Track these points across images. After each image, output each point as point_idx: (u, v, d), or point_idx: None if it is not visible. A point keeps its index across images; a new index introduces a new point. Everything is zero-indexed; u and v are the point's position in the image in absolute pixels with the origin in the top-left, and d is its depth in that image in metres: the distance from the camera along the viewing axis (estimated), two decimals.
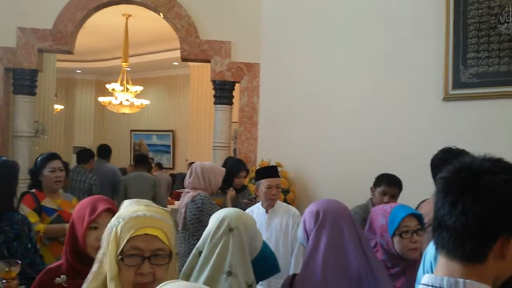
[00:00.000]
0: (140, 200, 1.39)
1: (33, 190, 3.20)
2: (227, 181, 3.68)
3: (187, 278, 1.66)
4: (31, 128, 4.87)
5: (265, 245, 2.02)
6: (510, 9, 3.45)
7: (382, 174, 3.28)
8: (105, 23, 8.10)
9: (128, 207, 1.34)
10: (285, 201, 4.09)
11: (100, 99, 10.24)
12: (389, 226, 1.95)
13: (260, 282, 3.00)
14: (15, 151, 4.69)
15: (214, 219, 1.78)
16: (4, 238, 2.26)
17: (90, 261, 1.39)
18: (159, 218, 1.32)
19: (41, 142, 6.55)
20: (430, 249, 1.60)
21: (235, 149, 5.95)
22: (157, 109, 12.66)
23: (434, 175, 2.61)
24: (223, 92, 4.95)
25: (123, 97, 9.51)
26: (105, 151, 6.22)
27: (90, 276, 1.31)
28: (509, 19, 3.45)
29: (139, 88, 9.68)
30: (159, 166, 8.87)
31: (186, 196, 3.27)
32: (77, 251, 1.67)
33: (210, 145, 5.41)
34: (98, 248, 1.51)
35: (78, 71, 12.61)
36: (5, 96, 4.70)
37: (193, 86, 10.39)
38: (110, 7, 5.01)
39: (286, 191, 4.36)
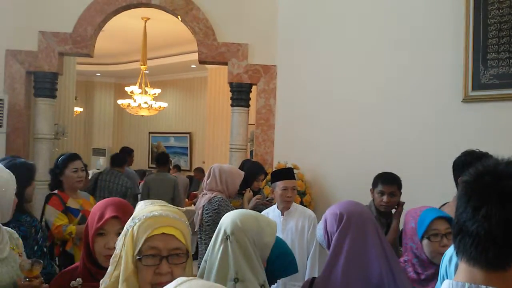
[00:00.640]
0: (154, 200, 1.40)
1: (56, 191, 3.23)
2: (246, 184, 3.68)
3: None
4: (52, 130, 4.96)
5: (284, 244, 2.02)
6: None
7: (379, 174, 3.18)
8: (124, 27, 8.20)
9: (143, 208, 1.34)
10: (301, 203, 4.08)
11: (119, 101, 10.37)
12: (418, 229, 1.91)
13: (276, 284, 3.02)
14: (36, 152, 4.77)
15: (216, 228, 1.78)
16: None
17: (105, 264, 1.40)
18: (175, 217, 1.33)
19: (61, 144, 6.65)
20: (448, 252, 1.57)
21: (251, 151, 5.96)
22: (175, 111, 12.76)
23: (455, 178, 2.58)
24: (240, 94, 4.97)
25: (142, 100, 9.60)
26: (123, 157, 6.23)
27: (106, 277, 1.31)
28: None
29: (157, 91, 9.78)
30: (178, 168, 8.91)
31: (204, 198, 3.28)
32: (90, 254, 1.66)
33: (226, 147, 5.42)
34: (106, 255, 1.52)
35: (97, 74, 12.79)
36: (26, 99, 4.80)
37: (210, 89, 10.44)
38: (128, 10, 5.07)
39: (302, 194, 4.34)
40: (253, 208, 3.51)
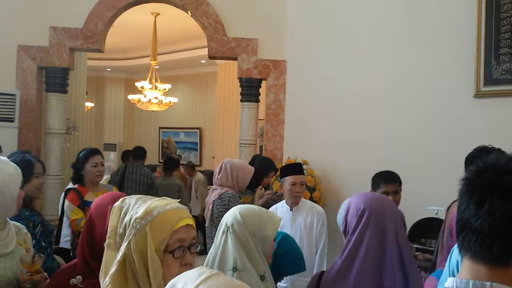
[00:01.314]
0: (144, 196, 1.40)
1: (76, 186, 3.32)
2: (256, 180, 3.68)
3: None
4: (63, 125, 5.00)
5: (292, 241, 2.02)
6: None
7: (378, 174, 3.07)
8: (134, 22, 8.23)
9: (143, 205, 1.32)
10: (311, 199, 4.08)
11: (130, 96, 10.43)
12: None
13: (284, 280, 3.03)
14: (47, 147, 4.82)
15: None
16: None
17: None
18: (184, 208, 1.36)
19: (73, 139, 6.70)
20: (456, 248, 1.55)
21: (261, 147, 5.96)
22: (185, 106, 12.79)
23: None
24: (249, 89, 4.96)
25: (152, 95, 9.64)
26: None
27: (107, 278, 1.27)
28: None
29: (167, 86, 9.80)
30: (191, 167, 8.69)
31: (214, 193, 3.29)
32: (94, 248, 1.61)
33: (236, 143, 5.43)
34: None
35: (108, 69, 12.85)
36: (38, 94, 4.84)
37: (220, 84, 10.44)
38: (138, 5, 5.09)
39: (312, 189, 4.33)
40: (264, 204, 3.51)
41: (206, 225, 3.36)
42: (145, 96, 9.71)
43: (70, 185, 3.85)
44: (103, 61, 11.51)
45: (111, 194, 1.76)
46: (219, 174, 3.30)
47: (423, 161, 3.85)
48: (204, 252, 2.59)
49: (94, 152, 3.40)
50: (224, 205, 3.13)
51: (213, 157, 11.25)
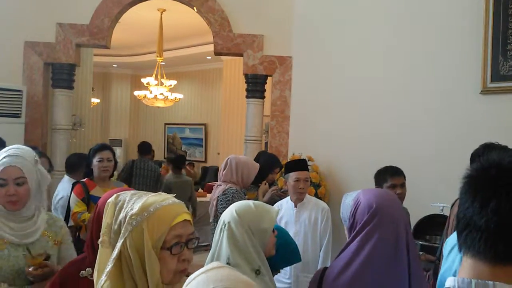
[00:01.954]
0: (138, 192, 1.38)
1: (84, 180, 3.35)
2: (261, 176, 3.69)
3: None
4: (69, 121, 5.03)
5: (285, 233, 2.04)
6: None
7: (382, 170, 3.08)
8: (140, 18, 8.24)
9: (138, 201, 1.30)
10: (316, 195, 4.08)
11: (136, 93, 10.46)
12: None
13: (288, 276, 3.04)
14: (53, 143, 4.85)
15: None
16: None
17: None
18: (181, 203, 1.35)
19: (78, 134, 6.74)
20: (450, 240, 1.54)
21: (266, 143, 5.97)
22: (190, 102, 12.81)
23: None
24: (255, 86, 4.96)
25: (158, 91, 9.66)
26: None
27: (103, 276, 1.26)
28: None
29: (173, 82, 9.82)
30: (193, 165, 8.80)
31: (218, 189, 3.30)
32: None
33: (241, 139, 5.44)
34: None
35: (114, 65, 12.89)
36: (44, 90, 4.87)
37: (225, 80, 10.45)
38: (144, 2, 5.09)
39: (317, 185, 4.33)
40: (269, 200, 3.52)
41: (210, 220, 3.37)
42: (150, 92, 9.73)
43: (64, 180, 3.89)
44: (109, 57, 11.55)
45: (119, 190, 1.77)
46: (224, 170, 3.31)
47: (429, 158, 3.84)
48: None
49: (102, 147, 3.42)
50: (228, 201, 3.13)
51: (218, 153, 11.28)
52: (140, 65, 12.55)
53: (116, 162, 3.49)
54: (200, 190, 8.57)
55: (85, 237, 3.06)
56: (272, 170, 3.96)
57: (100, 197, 3.15)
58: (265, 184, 3.74)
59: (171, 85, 9.78)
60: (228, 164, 3.29)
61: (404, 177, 3.06)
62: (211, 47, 5.25)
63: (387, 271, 1.59)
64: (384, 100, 4.19)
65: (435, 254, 2.86)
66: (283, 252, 1.90)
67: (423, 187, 3.69)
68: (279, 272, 2.03)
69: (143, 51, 11.72)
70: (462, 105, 3.72)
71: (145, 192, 1.38)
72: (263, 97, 5.03)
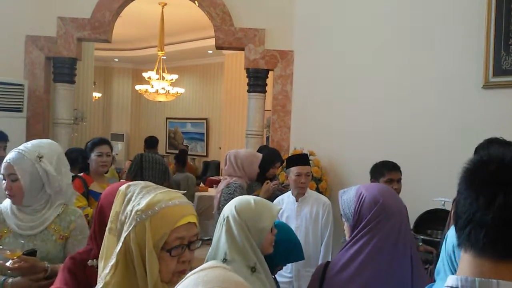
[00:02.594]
0: (149, 184, 1.36)
1: (82, 174, 3.32)
2: (262, 171, 3.70)
3: None
4: (71, 115, 5.03)
5: (288, 230, 2.04)
6: None
7: (379, 164, 3.09)
8: (141, 12, 8.22)
9: (146, 196, 1.29)
10: (317, 190, 4.08)
11: (137, 87, 10.45)
12: None
13: (289, 271, 3.04)
14: (55, 137, 4.84)
15: None
16: None
17: None
18: (190, 203, 1.33)
19: (80, 129, 6.75)
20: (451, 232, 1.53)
21: (268, 137, 5.96)
22: (192, 97, 12.80)
23: None
24: (256, 80, 4.95)
25: (159, 85, 9.66)
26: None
27: (103, 276, 1.26)
28: None
29: (174, 77, 9.81)
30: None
31: (223, 182, 3.34)
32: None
33: (243, 133, 5.43)
34: None
35: (115, 59, 12.87)
36: (46, 84, 4.86)
37: (227, 74, 10.43)
38: None
39: (318, 180, 4.33)
40: (270, 195, 3.52)
41: (213, 212, 3.40)
42: (152, 87, 9.72)
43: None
44: (110, 52, 11.52)
45: (123, 183, 1.77)
46: (225, 165, 3.34)
47: (430, 152, 3.83)
48: None
49: (101, 141, 3.38)
50: (229, 194, 3.15)
51: (220, 148, 11.28)
52: (141, 59, 12.53)
53: (113, 158, 3.47)
54: (201, 184, 8.57)
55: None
56: (273, 165, 3.96)
57: (98, 192, 3.19)
58: (267, 183, 3.75)
59: (172, 79, 9.77)
60: (228, 159, 3.34)
61: (401, 172, 3.07)
62: (212, 41, 5.23)
63: (390, 266, 1.59)
64: (385, 95, 4.18)
65: (437, 249, 2.87)
66: (282, 248, 1.90)
67: (425, 182, 3.69)
68: (280, 269, 2.03)
69: (144, 45, 11.69)
70: (464, 100, 3.71)
71: (156, 186, 1.37)
72: (264, 92, 5.02)
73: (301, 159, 3.26)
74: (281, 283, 2.23)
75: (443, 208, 3.27)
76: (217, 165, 11.25)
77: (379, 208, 1.62)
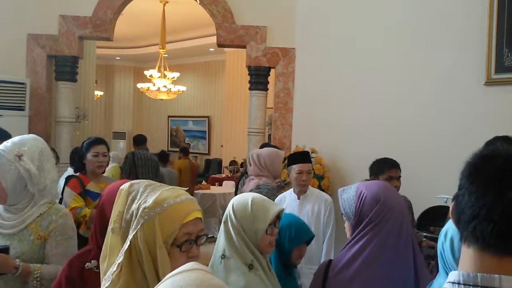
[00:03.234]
0: (152, 183, 1.36)
1: (78, 174, 3.27)
2: None
3: None
4: (73, 113, 5.03)
5: (289, 216, 2.09)
6: None
7: (378, 162, 3.08)
8: (142, 10, 8.22)
9: (152, 194, 1.30)
10: (319, 187, 4.08)
11: (139, 85, 10.46)
12: None
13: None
14: (57, 136, 4.86)
15: None
16: None
17: None
18: (195, 199, 1.35)
19: (82, 127, 6.76)
20: (445, 229, 1.53)
21: (269, 135, 5.97)
22: (193, 95, 12.81)
23: None
24: (258, 77, 4.95)
25: (161, 84, 9.66)
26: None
27: (109, 274, 1.25)
28: None
29: (176, 75, 9.81)
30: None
31: (251, 183, 3.32)
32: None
33: (245, 131, 5.43)
34: None
35: (117, 58, 12.88)
36: (47, 82, 4.87)
37: (228, 72, 10.43)
38: None
39: (320, 177, 4.34)
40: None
41: None
42: (154, 85, 9.73)
43: (68, 172, 3.88)
44: (112, 50, 11.55)
45: (123, 182, 1.76)
46: (250, 166, 3.37)
47: (433, 149, 3.83)
48: None
49: (96, 141, 3.31)
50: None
51: (222, 146, 11.29)
52: (143, 57, 12.54)
53: (109, 158, 3.40)
54: (203, 182, 8.59)
55: (86, 233, 3.05)
56: None
57: (95, 192, 3.17)
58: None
59: (174, 77, 9.78)
60: (251, 160, 3.34)
61: (400, 170, 3.07)
62: (214, 39, 5.23)
63: (393, 263, 1.59)
64: (387, 92, 4.18)
65: None
66: (285, 233, 1.96)
67: (427, 179, 3.69)
68: (295, 266, 2.04)
69: (145, 43, 11.71)
70: (466, 97, 3.71)
71: (159, 184, 1.37)
72: (266, 89, 5.02)
73: (302, 156, 3.25)
74: None
75: (446, 205, 3.27)
76: (219, 163, 11.26)
77: (380, 206, 1.61)
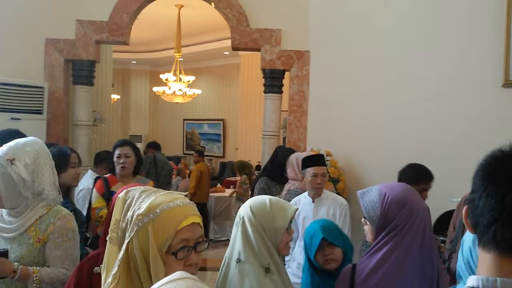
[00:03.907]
0: (149, 188, 1.32)
1: (107, 176, 3.34)
2: (280, 172, 3.69)
3: None
4: (90, 117, 5.09)
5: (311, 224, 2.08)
6: None
7: (415, 169, 3.01)
8: (158, 14, 8.30)
9: (146, 200, 1.25)
10: (334, 190, 4.05)
11: (154, 89, 10.55)
12: None
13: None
14: (75, 139, 4.92)
15: None
16: None
17: None
18: (192, 203, 1.29)
19: (99, 130, 6.83)
20: (467, 237, 1.51)
21: (284, 138, 5.95)
22: (208, 98, 12.86)
23: None
24: (273, 80, 4.95)
25: (176, 87, 9.73)
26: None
27: (115, 266, 1.22)
28: None
29: (191, 78, 9.87)
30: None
31: (285, 187, 3.39)
32: None
33: (259, 134, 5.43)
34: None
35: (133, 61, 13.00)
36: (65, 86, 4.94)
37: (243, 75, 10.45)
38: None
39: (336, 181, 4.31)
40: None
41: None
42: (169, 88, 9.81)
43: (88, 174, 3.95)
44: (128, 54, 11.67)
45: (135, 185, 1.76)
46: (288, 168, 3.36)
47: (449, 152, 3.78)
48: None
49: (121, 143, 3.38)
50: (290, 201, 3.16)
51: (237, 148, 11.30)
52: (158, 61, 12.64)
53: (140, 159, 3.39)
54: (218, 185, 8.60)
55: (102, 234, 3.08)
56: None
57: None
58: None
59: (189, 80, 9.84)
60: (290, 163, 3.32)
61: None
62: (228, 42, 5.24)
63: (419, 268, 1.57)
64: (403, 95, 4.14)
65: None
66: (305, 242, 2.02)
67: (443, 182, 3.63)
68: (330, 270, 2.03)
69: (161, 47, 11.80)
70: (484, 98, 3.65)
71: (155, 189, 1.32)
72: (281, 92, 5.01)
73: (316, 160, 3.24)
74: (295, 284, 2.23)
75: None
76: (233, 166, 11.28)
77: (407, 210, 1.60)
